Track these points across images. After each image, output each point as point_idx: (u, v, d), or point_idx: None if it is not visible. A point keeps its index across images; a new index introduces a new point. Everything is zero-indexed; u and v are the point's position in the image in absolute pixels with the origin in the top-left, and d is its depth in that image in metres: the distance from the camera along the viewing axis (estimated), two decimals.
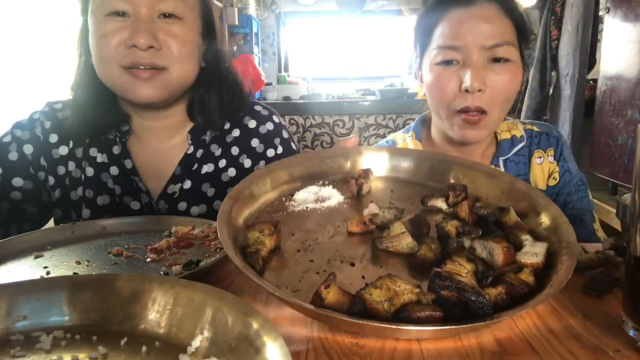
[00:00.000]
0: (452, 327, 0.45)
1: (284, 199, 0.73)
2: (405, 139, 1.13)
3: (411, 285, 0.51)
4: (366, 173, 0.76)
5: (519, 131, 1.08)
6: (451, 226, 0.64)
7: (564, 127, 3.22)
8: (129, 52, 0.85)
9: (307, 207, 0.71)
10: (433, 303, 0.50)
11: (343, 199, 0.74)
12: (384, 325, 0.45)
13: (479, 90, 0.91)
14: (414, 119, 4.24)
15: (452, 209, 0.70)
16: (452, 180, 0.79)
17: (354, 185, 0.75)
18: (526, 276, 0.53)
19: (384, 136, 4.31)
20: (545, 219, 0.65)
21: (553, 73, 3.31)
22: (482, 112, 0.93)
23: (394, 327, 0.44)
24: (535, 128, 1.10)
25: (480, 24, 0.92)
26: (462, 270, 0.52)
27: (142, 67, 0.86)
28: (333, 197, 0.74)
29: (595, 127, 2.74)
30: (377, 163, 0.81)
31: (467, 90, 0.91)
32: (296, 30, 5.47)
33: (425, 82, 0.99)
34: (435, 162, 0.81)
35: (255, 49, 4.78)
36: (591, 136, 2.80)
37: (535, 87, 3.17)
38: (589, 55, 3.08)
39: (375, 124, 4.31)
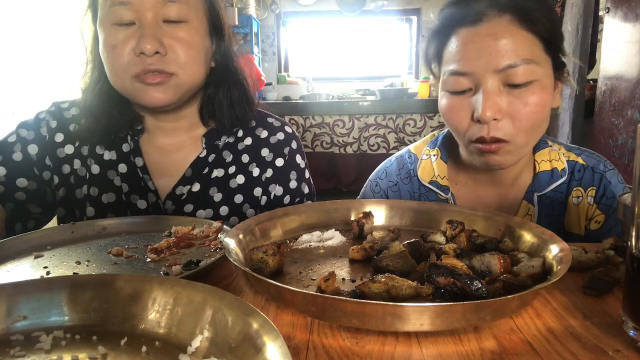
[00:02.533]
0: (454, 304, 0.45)
1: (288, 241, 0.76)
2: (430, 155, 1.02)
3: (409, 281, 0.52)
4: (367, 215, 0.79)
5: (561, 163, 0.94)
6: (449, 248, 0.66)
7: (564, 127, 3.22)
8: (138, 60, 0.85)
9: (310, 245, 0.74)
10: (432, 297, 0.51)
11: (345, 239, 0.77)
12: (384, 304, 0.45)
13: (495, 120, 0.80)
14: (414, 119, 4.25)
15: (450, 242, 0.71)
16: None
17: (355, 227, 0.78)
18: (523, 279, 0.54)
19: (383, 136, 4.31)
20: (541, 243, 0.66)
21: None
22: (501, 141, 0.82)
23: (393, 304, 0.45)
24: (580, 160, 0.95)
25: (490, 44, 0.79)
26: (458, 263, 0.54)
27: (151, 73, 0.86)
28: (335, 237, 0.76)
29: (595, 127, 2.74)
30: (378, 213, 0.84)
31: (479, 121, 0.81)
32: (296, 30, 5.48)
33: (440, 107, 0.90)
34: (434, 211, 0.83)
35: (255, 49, 4.79)
36: (591, 136, 2.80)
37: None
38: (589, 55, 3.09)
39: (375, 124, 4.31)
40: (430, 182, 1.00)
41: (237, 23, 4.28)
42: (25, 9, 2.08)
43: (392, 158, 1.10)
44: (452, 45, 0.85)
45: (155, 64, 0.86)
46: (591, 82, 3.30)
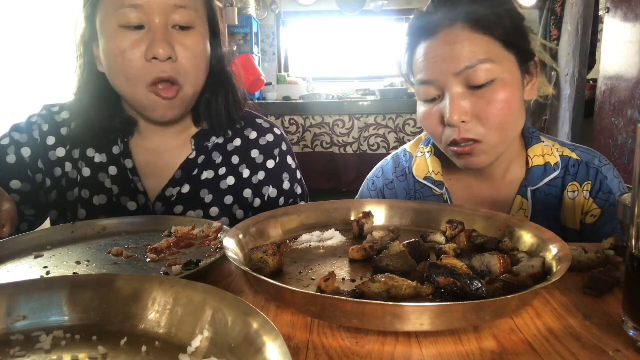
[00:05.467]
0: (454, 304, 0.45)
1: (288, 241, 0.76)
2: (424, 153, 1.05)
3: (409, 281, 0.52)
4: (367, 215, 0.79)
5: (554, 158, 0.96)
6: (449, 248, 0.66)
7: (564, 127, 3.23)
8: (151, 67, 0.85)
9: (310, 245, 0.74)
10: (432, 297, 0.51)
11: (345, 239, 0.77)
12: (384, 304, 0.45)
13: (464, 122, 0.84)
14: (414, 119, 4.26)
15: (450, 242, 0.71)
16: None
17: (355, 227, 0.78)
18: (523, 279, 0.54)
19: (383, 136, 4.31)
20: (541, 243, 0.66)
21: (553, 73, 3.32)
22: (474, 141, 0.85)
23: (393, 304, 0.45)
24: (574, 155, 0.97)
25: (446, 51, 0.84)
26: (458, 263, 0.54)
27: (164, 83, 0.86)
28: (335, 237, 0.76)
29: (595, 127, 2.74)
30: (378, 213, 0.84)
31: (450, 125, 0.85)
32: (296, 30, 5.48)
33: (417, 115, 0.94)
34: (434, 211, 0.83)
35: (255, 49, 4.79)
36: (591, 136, 2.80)
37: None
38: (589, 55, 3.09)
39: (375, 124, 4.32)
40: (425, 179, 1.02)
41: (237, 23, 4.28)
42: (25, 9, 2.08)
43: (389, 157, 1.13)
44: (418, 57, 0.89)
45: (168, 72, 0.85)
46: (591, 82, 3.30)
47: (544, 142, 0.98)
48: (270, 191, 1.03)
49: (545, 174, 0.95)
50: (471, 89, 0.84)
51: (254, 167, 1.03)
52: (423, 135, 1.10)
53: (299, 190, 1.07)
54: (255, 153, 1.04)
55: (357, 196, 1.14)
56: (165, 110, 0.89)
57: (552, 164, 0.95)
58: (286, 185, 1.05)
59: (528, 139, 0.98)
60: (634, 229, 0.46)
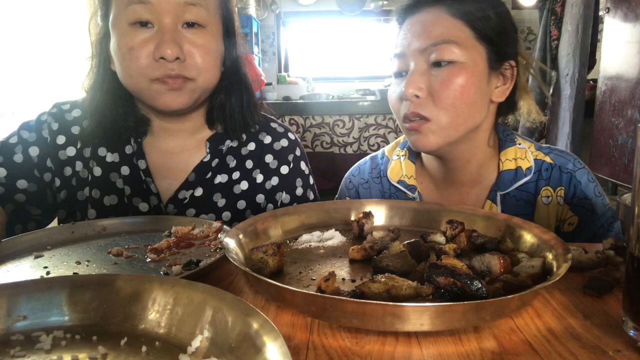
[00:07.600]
0: (454, 304, 0.45)
1: (288, 241, 0.76)
2: (399, 156, 1.06)
3: (409, 281, 0.52)
4: (367, 215, 0.79)
5: (527, 162, 0.94)
6: (449, 248, 0.66)
7: (564, 127, 3.23)
8: (158, 65, 0.85)
9: (310, 245, 0.74)
10: (432, 297, 0.51)
11: (345, 239, 0.77)
12: (384, 304, 0.45)
13: (416, 97, 0.85)
14: None
15: (450, 242, 0.71)
16: None
17: (355, 227, 0.78)
18: (523, 279, 0.54)
19: (383, 136, 4.32)
20: (541, 243, 0.66)
21: (553, 73, 3.32)
22: (423, 118, 0.86)
23: (393, 304, 0.45)
24: (547, 159, 0.95)
25: (418, 28, 0.87)
26: (458, 263, 0.55)
27: (172, 77, 0.86)
28: (335, 237, 0.76)
29: (595, 127, 2.75)
30: (378, 213, 0.84)
31: (404, 99, 0.87)
32: (296, 30, 5.48)
33: None
34: (434, 211, 0.83)
35: (255, 49, 4.79)
36: (591, 136, 2.81)
37: (534, 87, 3.19)
38: (589, 55, 3.09)
39: (375, 124, 4.32)
40: (399, 182, 1.03)
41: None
42: (26, 9, 2.09)
43: (368, 157, 1.13)
44: (400, 32, 0.92)
45: (176, 70, 0.85)
46: (591, 82, 3.31)
47: (519, 144, 0.96)
48: (283, 197, 1.03)
49: (515, 178, 0.93)
50: (433, 68, 0.85)
51: (268, 172, 1.02)
52: (401, 138, 1.10)
53: (311, 196, 1.07)
54: (269, 158, 1.03)
55: (337, 193, 1.15)
56: (171, 97, 0.87)
57: (524, 168, 0.93)
58: (299, 191, 1.05)
59: (502, 142, 0.96)
60: (634, 229, 0.46)
